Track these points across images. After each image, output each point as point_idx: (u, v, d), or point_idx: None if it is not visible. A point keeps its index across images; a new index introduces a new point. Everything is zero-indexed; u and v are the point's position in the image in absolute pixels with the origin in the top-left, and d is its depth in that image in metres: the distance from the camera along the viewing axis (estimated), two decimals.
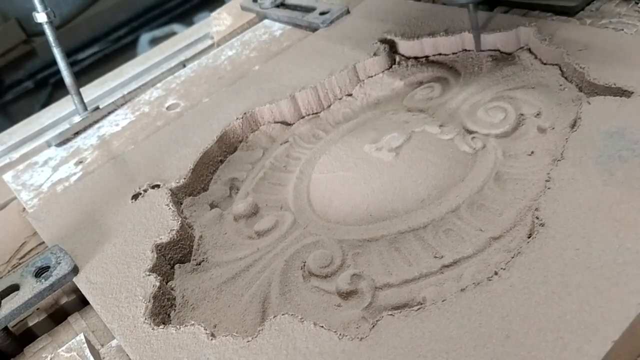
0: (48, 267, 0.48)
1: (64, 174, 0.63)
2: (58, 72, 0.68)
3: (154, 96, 0.72)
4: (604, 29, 0.57)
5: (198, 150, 0.58)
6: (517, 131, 0.51)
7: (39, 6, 0.63)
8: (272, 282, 0.45)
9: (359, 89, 0.63)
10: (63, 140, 0.69)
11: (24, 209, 0.61)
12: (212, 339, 0.39)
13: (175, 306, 0.46)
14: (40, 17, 0.63)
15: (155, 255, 0.47)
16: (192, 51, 0.84)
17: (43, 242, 0.56)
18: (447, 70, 0.60)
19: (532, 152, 0.48)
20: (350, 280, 0.43)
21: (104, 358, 0.43)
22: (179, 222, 0.50)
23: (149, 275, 0.46)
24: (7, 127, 0.80)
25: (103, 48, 2.03)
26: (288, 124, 0.63)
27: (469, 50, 0.61)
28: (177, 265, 0.49)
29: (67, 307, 0.50)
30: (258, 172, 0.58)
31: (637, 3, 0.60)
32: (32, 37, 1.91)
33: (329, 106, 0.63)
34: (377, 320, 0.37)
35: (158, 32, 2.04)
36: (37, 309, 0.49)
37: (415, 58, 0.63)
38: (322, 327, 0.38)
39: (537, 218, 0.39)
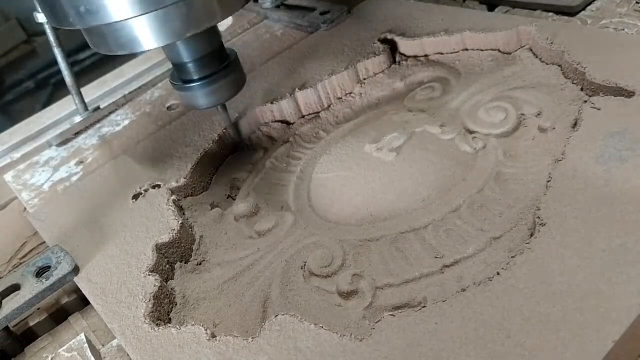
0: (49, 267, 0.48)
1: (64, 174, 0.63)
2: (59, 72, 0.68)
3: (155, 96, 0.72)
4: (605, 29, 0.57)
5: (199, 150, 0.58)
6: (518, 131, 0.51)
7: (40, 6, 0.63)
8: (273, 282, 0.45)
9: (360, 89, 0.63)
10: (64, 141, 0.69)
11: (25, 209, 0.61)
12: (212, 339, 0.39)
13: (176, 306, 0.46)
14: (42, 17, 0.63)
15: (156, 255, 0.47)
16: None
17: (44, 242, 0.56)
18: (447, 70, 0.60)
19: (533, 153, 0.48)
20: (351, 280, 0.43)
21: (104, 358, 0.43)
22: (180, 222, 0.50)
23: (149, 275, 0.46)
24: (8, 127, 0.80)
25: None
26: (289, 124, 0.63)
27: (470, 50, 0.61)
28: (177, 265, 0.49)
29: (68, 307, 0.50)
30: (259, 172, 0.58)
31: (638, 3, 0.60)
32: (33, 37, 1.92)
33: (330, 106, 0.63)
34: (377, 321, 0.37)
35: None
36: (38, 309, 0.49)
37: (416, 58, 0.63)
38: (323, 327, 0.38)
39: (539, 218, 0.39)
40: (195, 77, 0.50)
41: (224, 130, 0.59)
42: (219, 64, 0.51)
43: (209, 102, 0.52)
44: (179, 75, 0.52)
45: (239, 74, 0.53)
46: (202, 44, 0.49)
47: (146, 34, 0.43)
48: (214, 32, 0.50)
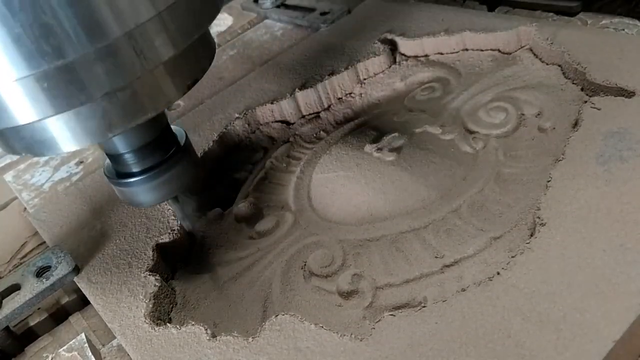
0: (49, 267, 0.48)
1: (65, 173, 0.63)
2: None
3: None
4: (605, 29, 0.57)
5: (199, 150, 0.58)
6: (517, 131, 0.51)
7: None
8: (273, 282, 0.45)
9: (360, 89, 0.63)
10: None
11: (25, 208, 0.61)
12: (212, 339, 0.39)
13: (176, 306, 0.46)
14: None
15: (156, 255, 0.47)
16: None
17: (44, 242, 0.56)
18: (448, 70, 0.60)
19: (533, 153, 0.48)
20: (351, 280, 0.43)
21: (104, 358, 0.43)
22: (180, 222, 0.50)
23: (149, 275, 0.46)
24: None
25: None
26: (289, 124, 0.63)
27: (470, 50, 0.61)
28: (178, 265, 0.49)
29: (68, 306, 0.50)
30: (259, 172, 0.58)
31: (638, 4, 0.60)
32: None
33: (330, 106, 0.63)
34: (377, 320, 0.37)
35: None
36: (38, 308, 0.49)
37: (416, 58, 0.63)
38: (323, 327, 0.38)
39: (538, 218, 0.39)
40: (135, 170, 0.41)
41: (178, 225, 0.49)
42: (164, 152, 0.41)
43: (155, 199, 0.43)
44: (114, 167, 0.42)
45: (191, 159, 0.44)
46: (141, 132, 0.39)
47: (59, 136, 0.34)
48: (155, 117, 0.39)
